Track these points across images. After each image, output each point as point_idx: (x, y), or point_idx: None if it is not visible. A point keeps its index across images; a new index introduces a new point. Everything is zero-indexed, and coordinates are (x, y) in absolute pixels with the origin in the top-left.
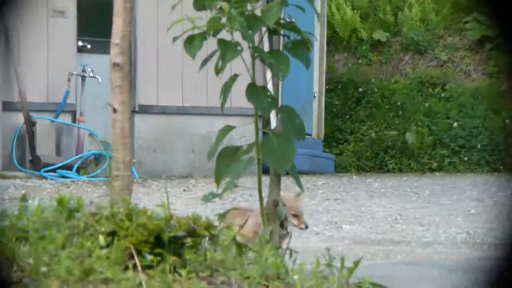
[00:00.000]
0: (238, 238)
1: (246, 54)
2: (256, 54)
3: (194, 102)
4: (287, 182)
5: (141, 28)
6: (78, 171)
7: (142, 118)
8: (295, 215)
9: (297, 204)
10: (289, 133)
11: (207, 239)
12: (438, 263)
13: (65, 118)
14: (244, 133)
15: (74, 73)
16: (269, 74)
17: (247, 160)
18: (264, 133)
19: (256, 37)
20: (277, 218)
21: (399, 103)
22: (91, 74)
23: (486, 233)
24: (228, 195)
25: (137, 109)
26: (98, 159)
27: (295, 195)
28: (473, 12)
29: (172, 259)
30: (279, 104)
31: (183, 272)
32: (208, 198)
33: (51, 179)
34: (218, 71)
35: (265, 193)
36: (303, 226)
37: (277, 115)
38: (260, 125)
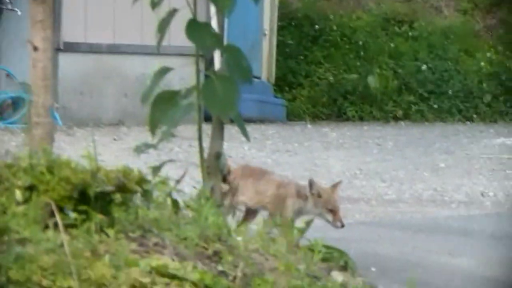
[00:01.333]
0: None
1: None
2: None
3: (128, 39)
4: (232, 131)
5: None
6: None
7: (67, 57)
8: (331, 210)
9: (334, 197)
10: (234, 76)
11: (139, 195)
12: (401, 223)
13: None
14: (183, 75)
15: None
16: (213, 9)
17: (186, 105)
18: (206, 76)
19: None
20: (219, 172)
21: (360, 42)
22: (9, 7)
23: (456, 190)
24: (165, 146)
25: (61, 47)
26: (16, 103)
27: (331, 185)
28: None
29: (98, 217)
30: (224, 43)
31: (111, 232)
32: (141, 148)
33: None
34: (154, 4)
35: (207, 143)
36: (338, 224)
37: (221, 56)
38: (201, 66)
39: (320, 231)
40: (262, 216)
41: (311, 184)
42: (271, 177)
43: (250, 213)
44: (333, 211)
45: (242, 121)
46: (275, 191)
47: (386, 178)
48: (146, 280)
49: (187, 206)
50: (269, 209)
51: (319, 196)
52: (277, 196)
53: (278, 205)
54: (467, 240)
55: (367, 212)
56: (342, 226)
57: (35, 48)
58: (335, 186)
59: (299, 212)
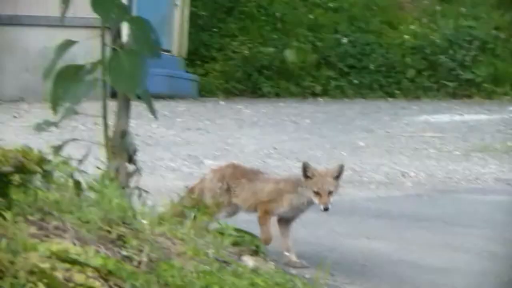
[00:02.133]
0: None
1: None
2: None
3: (30, 10)
4: (139, 108)
5: None
6: None
7: None
8: (317, 193)
9: (324, 180)
10: (141, 50)
11: (38, 176)
12: (317, 205)
13: None
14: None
15: None
16: None
17: (91, 81)
18: (112, 50)
19: None
20: (125, 151)
21: (278, 14)
22: None
23: (375, 170)
24: (67, 124)
25: None
26: None
27: (331, 168)
28: None
29: None
30: (131, 15)
31: (9, 215)
32: (42, 126)
33: None
34: None
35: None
36: (322, 207)
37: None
38: (108, 39)
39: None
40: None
41: (305, 167)
42: (266, 176)
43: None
44: (319, 194)
45: (149, 98)
46: (273, 187)
47: (302, 158)
48: (45, 265)
49: (90, 188)
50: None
51: (311, 178)
52: (276, 190)
53: (275, 197)
54: (386, 222)
55: None
56: (325, 209)
57: None
58: (337, 169)
59: (297, 208)
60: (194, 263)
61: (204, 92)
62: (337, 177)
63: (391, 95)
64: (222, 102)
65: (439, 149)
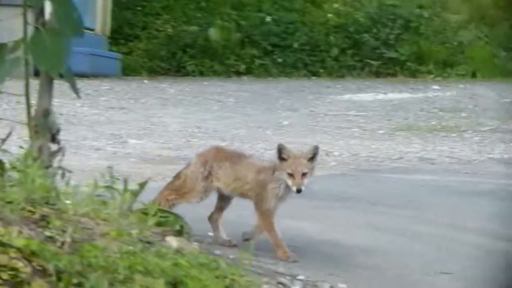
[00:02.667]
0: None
1: None
2: None
3: None
4: (63, 87)
5: None
6: None
7: None
8: (291, 174)
9: (298, 161)
10: (64, 28)
11: None
12: None
13: None
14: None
15: None
16: None
17: (13, 60)
18: (35, 28)
19: None
20: (48, 130)
21: None
22: None
23: (299, 149)
24: None
25: None
26: None
27: (306, 150)
28: None
29: None
30: None
31: None
32: None
33: None
34: None
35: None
36: (294, 188)
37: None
38: (31, 18)
39: (154, 193)
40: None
41: (280, 149)
42: (249, 162)
43: (224, 200)
44: (293, 175)
45: (72, 77)
46: (255, 177)
47: (226, 137)
48: None
49: (13, 167)
50: (250, 197)
51: (286, 160)
52: (257, 181)
53: (260, 191)
54: (310, 202)
55: None
56: (298, 191)
57: None
58: (311, 151)
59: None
60: (117, 243)
61: (128, 71)
62: (312, 158)
63: (315, 74)
64: (146, 81)
65: (363, 128)
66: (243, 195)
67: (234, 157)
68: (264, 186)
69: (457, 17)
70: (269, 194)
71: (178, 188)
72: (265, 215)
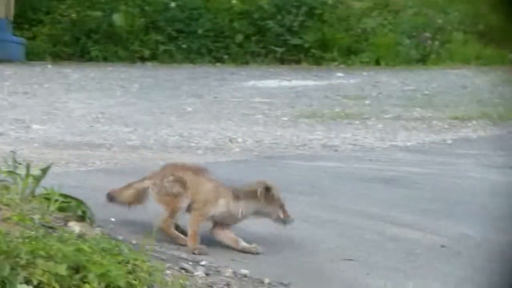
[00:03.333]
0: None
1: None
2: None
3: None
4: None
5: None
6: None
7: None
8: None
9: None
10: None
11: None
12: (144, 170)
13: None
14: None
15: None
16: None
17: None
18: None
19: None
20: None
21: None
22: None
23: (203, 135)
24: None
25: None
26: None
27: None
28: None
29: None
30: None
31: None
32: None
33: None
34: None
35: None
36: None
37: None
38: None
39: (57, 178)
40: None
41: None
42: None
43: None
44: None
45: None
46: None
47: (130, 123)
48: None
49: None
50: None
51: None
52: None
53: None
54: None
55: (108, 158)
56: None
57: None
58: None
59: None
60: (19, 228)
61: (32, 56)
62: None
63: (220, 60)
64: (50, 66)
65: (267, 115)
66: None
67: (193, 171)
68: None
69: (360, 4)
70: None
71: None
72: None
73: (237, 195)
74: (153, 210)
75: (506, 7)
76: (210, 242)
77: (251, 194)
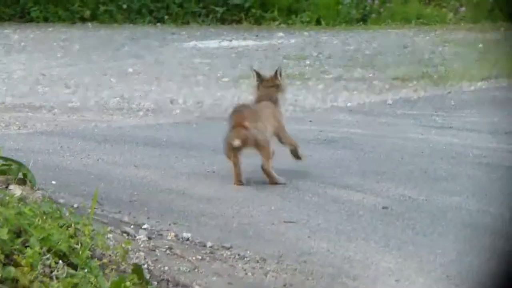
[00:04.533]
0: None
1: None
2: None
3: None
4: None
5: None
6: None
7: None
8: None
9: None
10: None
11: None
12: (85, 133)
13: None
14: None
15: None
16: None
17: None
18: None
19: None
20: None
21: None
22: None
23: (144, 97)
24: None
25: None
26: None
27: None
28: None
29: None
30: None
31: None
32: None
33: None
34: None
35: None
36: None
37: None
38: None
39: None
40: None
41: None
42: None
43: None
44: None
45: None
46: None
47: (70, 84)
48: None
49: None
50: None
51: None
52: None
53: None
54: (154, 150)
55: (49, 121)
56: None
57: None
58: None
59: None
60: None
61: None
62: None
63: (160, 21)
64: None
65: (208, 75)
66: None
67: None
68: None
69: None
70: None
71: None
72: None
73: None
74: (95, 173)
75: None
76: (151, 207)
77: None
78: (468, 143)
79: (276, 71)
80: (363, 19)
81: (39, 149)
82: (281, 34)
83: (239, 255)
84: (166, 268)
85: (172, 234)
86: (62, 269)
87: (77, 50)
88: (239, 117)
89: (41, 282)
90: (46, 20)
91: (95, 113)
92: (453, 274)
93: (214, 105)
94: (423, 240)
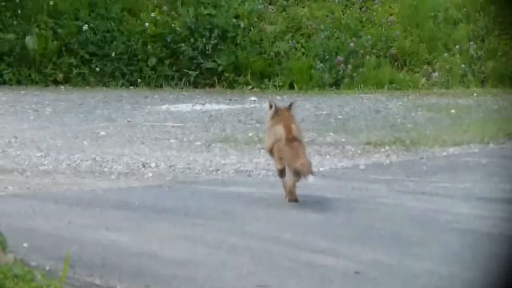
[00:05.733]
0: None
1: None
2: None
3: None
4: None
5: None
6: None
7: None
8: None
9: None
10: None
11: None
12: (57, 196)
13: None
14: None
15: None
16: None
17: None
18: None
19: None
20: None
21: (17, 0)
22: None
23: (116, 160)
24: None
25: None
26: None
27: None
28: None
29: None
30: None
31: None
32: None
33: None
34: None
35: None
36: None
37: None
38: None
39: None
40: None
41: None
42: None
43: None
44: None
45: None
46: None
47: (42, 147)
48: None
49: None
50: None
51: None
52: None
53: None
54: (126, 214)
55: (21, 183)
56: None
57: None
58: None
59: None
60: None
61: None
62: None
63: (133, 84)
64: None
65: (180, 139)
66: None
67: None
68: None
69: (273, 28)
70: None
71: None
72: None
73: None
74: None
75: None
76: (123, 270)
77: None
78: (441, 208)
79: (291, 104)
80: (336, 84)
81: (11, 212)
82: (254, 98)
83: None
84: None
85: None
86: None
87: (49, 113)
88: (301, 147)
89: None
90: (19, 83)
91: (67, 176)
92: None
93: (186, 169)
94: None
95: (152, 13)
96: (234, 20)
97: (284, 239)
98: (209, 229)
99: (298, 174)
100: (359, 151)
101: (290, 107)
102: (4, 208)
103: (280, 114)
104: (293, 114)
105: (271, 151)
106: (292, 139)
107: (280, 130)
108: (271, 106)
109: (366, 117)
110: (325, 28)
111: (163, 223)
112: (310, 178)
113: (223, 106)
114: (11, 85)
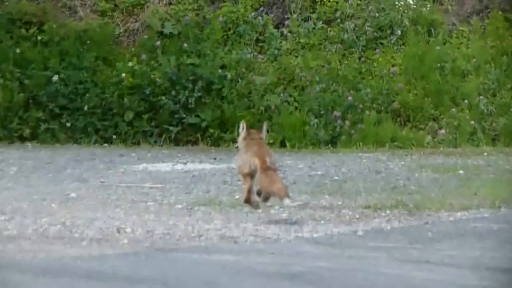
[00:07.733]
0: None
1: None
2: None
3: None
4: None
5: None
6: None
7: None
8: None
9: None
10: None
11: None
12: (22, 264)
13: None
14: None
15: None
16: None
17: None
18: None
19: None
20: None
21: None
22: None
23: (88, 225)
24: None
25: None
26: None
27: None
28: None
29: None
30: None
31: None
32: None
33: None
34: None
35: None
36: None
37: None
38: None
39: None
40: None
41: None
42: None
43: None
44: None
45: None
46: None
47: (6, 210)
48: None
49: None
50: None
51: None
52: None
53: None
54: (98, 284)
55: None
56: None
57: None
58: None
59: None
60: None
61: None
62: None
63: (108, 141)
64: None
65: (159, 202)
66: None
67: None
68: None
69: (263, 79)
70: None
71: None
72: None
73: None
74: None
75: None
76: None
77: None
78: (447, 279)
79: (263, 126)
80: (332, 142)
81: None
82: None
83: None
84: None
85: None
86: None
87: (14, 172)
88: (275, 175)
89: None
90: None
91: (34, 242)
92: None
93: (165, 235)
94: None
95: (129, 63)
96: (220, 70)
97: None
98: None
99: (267, 198)
100: (357, 216)
101: (261, 130)
102: None
103: (252, 138)
104: (263, 136)
105: (242, 174)
106: (267, 169)
107: (255, 162)
108: (243, 128)
109: (365, 178)
110: (320, 80)
111: None
112: (286, 201)
113: (207, 166)
114: None
